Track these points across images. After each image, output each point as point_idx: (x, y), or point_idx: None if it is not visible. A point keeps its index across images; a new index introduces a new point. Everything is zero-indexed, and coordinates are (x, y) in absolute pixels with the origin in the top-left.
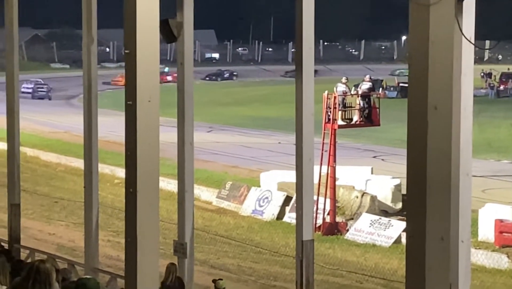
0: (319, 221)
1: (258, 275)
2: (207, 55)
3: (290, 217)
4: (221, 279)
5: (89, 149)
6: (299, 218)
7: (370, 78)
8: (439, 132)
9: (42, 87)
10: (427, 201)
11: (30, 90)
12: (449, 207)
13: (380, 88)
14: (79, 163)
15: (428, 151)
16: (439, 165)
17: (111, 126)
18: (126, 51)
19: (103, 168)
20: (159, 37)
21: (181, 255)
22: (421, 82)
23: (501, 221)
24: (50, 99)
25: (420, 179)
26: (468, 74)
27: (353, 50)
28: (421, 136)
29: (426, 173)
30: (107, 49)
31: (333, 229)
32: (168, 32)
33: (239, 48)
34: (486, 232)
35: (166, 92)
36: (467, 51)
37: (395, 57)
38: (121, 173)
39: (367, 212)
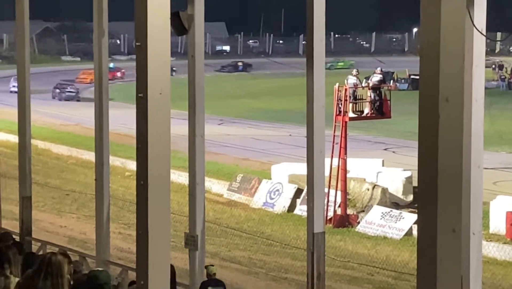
0: (330, 214)
1: (269, 267)
2: (218, 47)
3: (301, 209)
4: (212, 265)
5: (100, 141)
6: (310, 211)
7: (381, 70)
8: (451, 124)
9: (66, 87)
10: (438, 193)
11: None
12: (460, 199)
13: (391, 81)
14: (90, 156)
15: (440, 143)
16: (451, 157)
17: (121, 119)
18: (137, 43)
19: (114, 161)
20: (170, 29)
21: (192, 247)
22: (432, 74)
23: None
24: (78, 100)
25: (431, 171)
26: (480, 66)
27: (364, 43)
28: (432, 129)
29: (437, 165)
30: (118, 42)
31: (344, 222)
32: (179, 25)
33: (250, 41)
34: (498, 224)
35: (177, 85)
36: (479, 43)
37: (406, 49)
38: (132, 165)
39: (378, 204)
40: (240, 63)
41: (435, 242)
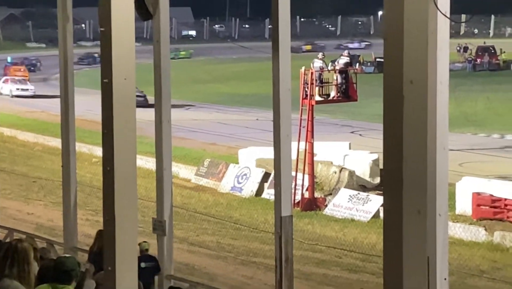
0: (298, 197)
1: (238, 251)
2: (184, 32)
3: (269, 193)
4: (145, 241)
5: (66, 128)
6: (278, 194)
7: (348, 53)
8: (415, 106)
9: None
10: (403, 175)
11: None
12: (426, 180)
13: (357, 64)
14: (57, 142)
15: (404, 125)
16: (416, 139)
17: (88, 105)
18: (101, 29)
19: (81, 147)
20: (134, 14)
21: (160, 232)
22: (397, 57)
23: (478, 194)
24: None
25: (397, 153)
26: (444, 49)
27: (330, 26)
28: (397, 111)
29: (402, 147)
30: (84, 27)
31: (312, 205)
32: (144, 10)
33: (216, 25)
34: (464, 205)
35: (143, 70)
36: (443, 25)
37: (371, 32)
38: (99, 151)
39: (345, 187)
40: (96, 54)
41: (401, 223)
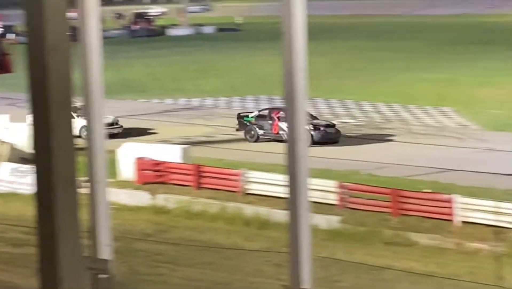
0: None
1: None
2: None
3: None
4: None
5: None
6: None
7: (1, 24)
8: (60, 74)
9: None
10: (52, 145)
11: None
12: (73, 148)
13: (14, 34)
14: None
15: (49, 93)
16: (61, 108)
17: None
18: None
19: None
20: None
21: None
22: (37, 25)
23: (141, 159)
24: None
25: (44, 123)
26: (92, 16)
27: None
28: (41, 79)
29: (49, 117)
30: None
31: None
32: None
33: None
34: (128, 171)
35: None
36: None
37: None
38: None
39: (7, 161)
40: None
41: (52, 195)
